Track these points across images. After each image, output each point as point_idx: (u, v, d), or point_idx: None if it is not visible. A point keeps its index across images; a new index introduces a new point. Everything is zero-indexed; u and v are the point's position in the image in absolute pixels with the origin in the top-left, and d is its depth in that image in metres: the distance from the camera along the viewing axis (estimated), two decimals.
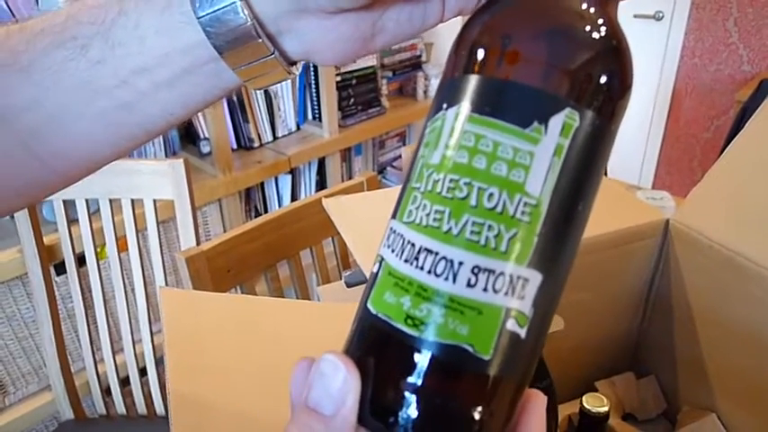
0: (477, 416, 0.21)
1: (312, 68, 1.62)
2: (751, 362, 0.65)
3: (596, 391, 0.77)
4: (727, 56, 2.21)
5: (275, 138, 1.63)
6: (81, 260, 1.12)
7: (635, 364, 0.81)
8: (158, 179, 1.05)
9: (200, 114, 1.49)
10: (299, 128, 1.69)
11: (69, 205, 1.08)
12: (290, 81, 1.61)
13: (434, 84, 1.96)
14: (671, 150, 2.49)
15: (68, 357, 1.17)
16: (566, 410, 0.72)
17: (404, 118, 1.85)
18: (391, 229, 0.22)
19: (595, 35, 0.22)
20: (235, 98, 1.50)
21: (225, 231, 1.25)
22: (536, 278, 0.21)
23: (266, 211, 1.64)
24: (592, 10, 0.22)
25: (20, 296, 1.22)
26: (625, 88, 0.23)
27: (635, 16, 2.39)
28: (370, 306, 0.22)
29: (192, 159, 1.50)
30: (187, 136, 1.54)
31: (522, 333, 0.21)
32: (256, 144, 1.58)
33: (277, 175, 1.61)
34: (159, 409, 1.18)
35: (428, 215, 0.21)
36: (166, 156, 1.47)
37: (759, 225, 0.65)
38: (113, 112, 0.27)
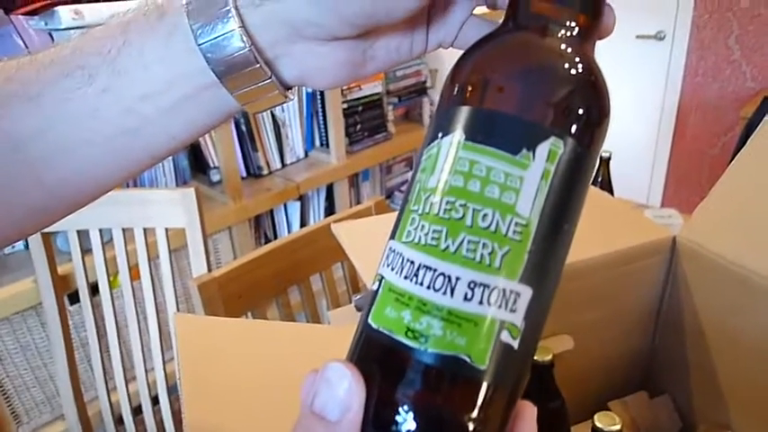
0: (472, 424, 0.22)
1: (319, 96, 1.65)
2: (765, 377, 0.65)
3: (608, 410, 0.77)
4: (730, 73, 2.23)
5: (284, 165, 1.65)
6: (94, 289, 1.13)
7: (648, 383, 0.81)
8: (170, 208, 1.07)
9: (209, 143, 1.52)
10: (306, 155, 1.71)
11: (83, 235, 1.10)
12: (297, 109, 1.64)
13: None
14: (678, 168, 2.49)
15: (81, 386, 1.17)
16: (579, 431, 0.72)
17: (410, 143, 1.87)
18: (390, 248, 0.24)
19: (573, 72, 0.25)
20: (243, 127, 1.52)
21: (235, 258, 1.26)
22: (527, 292, 0.23)
23: (276, 238, 1.65)
24: (570, 50, 0.25)
25: (34, 326, 1.23)
26: (602, 117, 0.25)
27: (637, 37, 2.42)
28: (371, 321, 0.23)
29: (203, 188, 1.52)
30: (197, 165, 1.56)
31: (515, 344, 0.22)
32: (265, 171, 1.60)
33: (286, 202, 1.63)
34: None
35: (426, 234, 0.23)
36: (177, 185, 1.49)
37: (766, 239, 0.65)
38: (119, 138, 0.28)
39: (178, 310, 1.15)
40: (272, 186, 1.53)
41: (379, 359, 0.23)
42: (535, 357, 0.59)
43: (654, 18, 2.35)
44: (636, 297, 0.75)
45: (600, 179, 1.14)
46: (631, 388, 0.79)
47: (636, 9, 2.34)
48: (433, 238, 0.23)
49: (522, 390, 0.24)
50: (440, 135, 0.25)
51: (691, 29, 2.27)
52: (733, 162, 0.73)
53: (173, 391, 1.18)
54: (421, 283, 0.22)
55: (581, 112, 0.24)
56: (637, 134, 2.54)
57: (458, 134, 0.24)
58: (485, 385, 0.22)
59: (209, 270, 1.07)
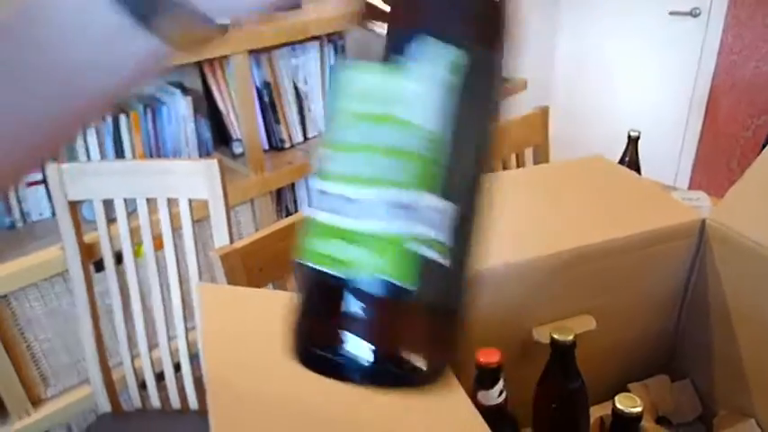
0: (412, 346, 0.23)
1: None
2: None
3: (629, 392, 0.76)
4: (767, 52, 2.15)
5: (306, 139, 1.64)
6: (119, 258, 1.15)
7: (670, 367, 0.80)
8: (193, 179, 1.08)
9: (231, 115, 1.52)
10: None
11: (108, 205, 1.11)
12: (320, 83, 1.62)
13: None
14: (708, 150, 2.43)
15: (106, 352, 1.20)
16: (597, 412, 0.71)
17: None
18: (313, 189, 0.24)
19: None
20: (267, 99, 1.52)
21: (257, 231, 1.26)
22: (448, 208, 0.23)
23: (297, 212, 1.66)
24: None
25: (61, 292, 1.26)
26: (499, 22, 0.24)
27: (671, 13, 2.34)
28: (302, 260, 0.24)
29: (225, 160, 1.52)
30: (220, 137, 1.57)
31: (444, 262, 0.23)
32: (287, 145, 1.60)
33: (308, 176, 1.63)
34: (193, 403, 1.21)
35: (338, 165, 0.23)
36: (200, 156, 1.50)
37: None
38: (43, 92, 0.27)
39: (201, 280, 1.17)
40: (294, 160, 1.53)
41: (314, 293, 0.24)
42: (556, 337, 0.59)
43: None
44: (661, 280, 0.73)
45: (627, 158, 1.12)
46: (653, 371, 0.79)
47: None
48: (344, 168, 0.23)
49: (467, 310, 0.24)
50: (346, 62, 0.24)
51: (727, 5, 2.19)
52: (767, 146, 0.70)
53: (194, 358, 1.20)
54: (339, 213, 0.22)
55: (478, 19, 0.24)
56: (666, 114, 2.47)
57: (352, 60, 0.24)
58: (418, 306, 0.22)
59: (231, 242, 1.07)
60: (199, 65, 1.49)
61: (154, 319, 1.17)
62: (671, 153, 2.51)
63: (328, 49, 1.62)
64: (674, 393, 0.76)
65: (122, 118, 1.33)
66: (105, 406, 1.21)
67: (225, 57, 1.34)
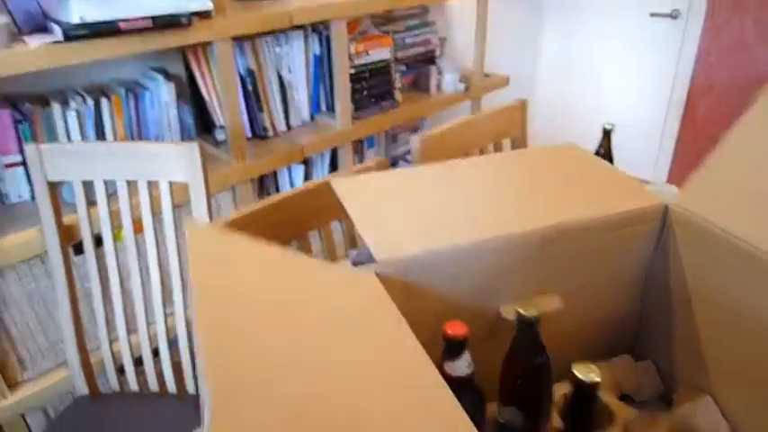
0: None
1: (326, 60, 1.65)
2: (748, 345, 0.66)
3: None
4: (744, 56, 2.20)
5: (289, 128, 1.65)
6: (98, 241, 1.15)
7: (633, 348, 0.83)
8: (174, 162, 1.08)
9: (215, 102, 1.52)
10: (312, 119, 1.72)
11: (88, 187, 1.11)
12: (304, 72, 1.64)
13: (447, 78, 1.98)
14: (686, 149, 2.48)
15: (84, 335, 1.20)
16: (562, 390, 0.74)
17: (416, 112, 1.87)
18: None
19: None
20: (250, 87, 1.53)
21: None
22: None
23: None
24: None
25: (39, 274, 1.26)
26: None
27: (651, 15, 2.39)
28: None
29: (208, 147, 1.53)
30: (202, 124, 1.57)
31: None
32: (270, 133, 1.61)
33: (290, 165, 1.64)
34: (171, 387, 1.22)
35: None
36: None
37: (759, 210, 0.66)
38: None
39: (180, 264, 1.17)
40: (277, 148, 1.54)
41: None
42: (521, 312, 0.61)
43: None
44: (626, 263, 0.76)
45: (601, 151, 1.15)
46: (617, 351, 0.82)
47: None
48: None
49: None
50: None
51: (706, 9, 2.24)
52: (729, 132, 0.73)
53: (173, 344, 1.21)
54: None
55: None
56: (646, 113, 2.52)
57: None
58: None
59: None
60: (182, 51, 1.50)
61: (133, 303, 1.18)
62: (649, 151, 2.56)
63: (313, 38, 1.63)
64: (637, 373, 0.79)
65: (104, 102, 1.33)
66: (83, 389, 1.22)
67: (208, 43, 1.35)
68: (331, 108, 1.70)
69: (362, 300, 0.57)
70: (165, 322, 1.19)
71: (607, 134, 1.14)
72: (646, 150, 2.56)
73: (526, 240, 0.68)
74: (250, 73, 1.52)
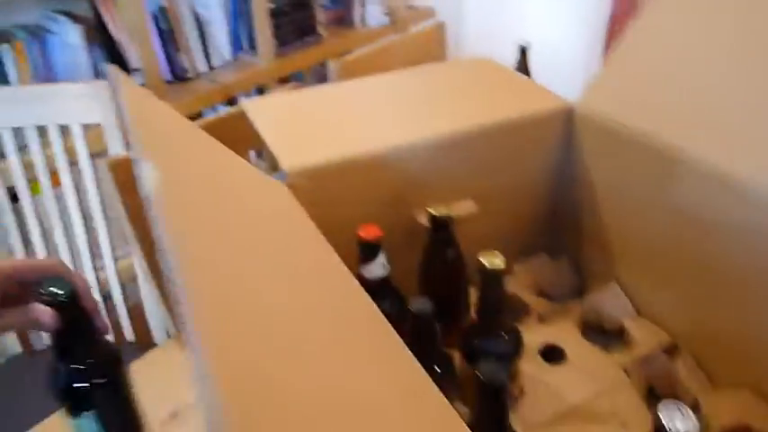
0: None
1: None
2: (651, 236, 0.71)
3: (512, 273, 0.83)
4: None
5: (211, 68, 1.60)
6: (14, 197, 1.10)
7: (550, 246, 0.87)
8: (84, 103, 1.04)
9: (130, 44, 1.45)
10: (236, 57, 1.67)
11: None
12: (221, 8, 1.57)
13: (371, 11, 1.95)
14: None
15: None
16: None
17: (342, 45, 1.83)
18: None
19: None
20: (164, 26, 1.46)
21: None
22: None
23: None
24: None
25: None
26: None
27: None
28: None
29: None
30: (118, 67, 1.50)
31: None
32: (191, 74, 1.55)
33: (215, 106, 1.60)
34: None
35: None
36: None
37: (659, 103, 0.69)
38: None
39: (105, 216, 1.13)
40: (199, 89, 1.49)
41: None
42: (433, 213, 0.63)
43: None
44: (537, 163, 0.79)
45: (518, 68, 1.17)
46: (534, 251, 0.85)
47: None
48: None
49: None
50: None
51: None
52: (627, 32, 0.76)
53: (107, 298, 1.18)
54: None
55: None
56: (572, 34, 2.55)
57: None
58: None
59: None
60: None
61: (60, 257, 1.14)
62: (576, 72, 2.61)
63: None
64: (553, 270, 0.83)
65: (4, 48, 1.25)
66: (15, 347, 1.19)
67: None
68: (253, 45, 1.65)
69: (273, 210, 0.57)
70: (97, 277, 1.16)
71: (523, 51, 1.16)
72: (573, 71, 2.60)
73: (437, 145, 0.69)
74: (162, 11, 1.45)
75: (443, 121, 0.71)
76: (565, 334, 0.72)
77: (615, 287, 0.76)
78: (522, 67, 1.16)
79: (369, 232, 0.60)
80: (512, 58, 1.17)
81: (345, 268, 0.55)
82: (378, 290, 0.62)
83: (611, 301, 0.75)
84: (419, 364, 0.42)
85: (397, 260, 0.64)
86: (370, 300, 0.53)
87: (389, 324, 0.48)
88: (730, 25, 0.66)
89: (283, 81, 1.80)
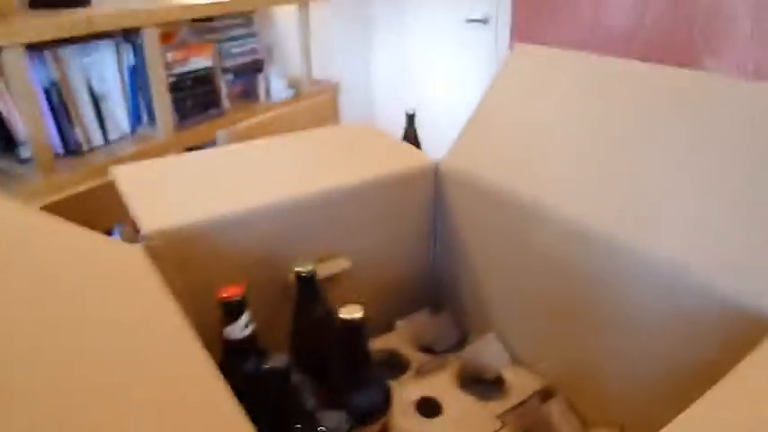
0: None
1: (142, 70, 1.60)
2: (519, 285, 0.74)
3: (394, 330, 0.83)
4: None
5: (107, 141, 1.57)
6: None
7: (432, 302, 0.89)
8: None
9: (18, 120, 1.41)
10: (134, 131, 1.65)
11: None
12: (119, 83, 1.57)
13: (275, 85, 2.00)
14: None
15: None
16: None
17: (245, 118, 1.86)
18: None
19: None
20: (56, 99, 1.44)
21: None
22: None
23: None
24: None
25: None
26: None
27: (467, 21, 2.60)
28: None
29: (12, 166, 1.41)
30: (6, 144, 1.45)
31: None
32: (86, 148, 1.52)
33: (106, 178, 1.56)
34: None
35: None
36: None
37: (514, 160, 0.74)
38: None
39: None
40: (94, 162, 1.46)
41: None
42: (297, 269, 0.63)
43: (480, 3, 2.54)
44: (410, 219, 0.82)
45: (407, 133, 1.23)
46: (417, 307, 0.87)
47: None
48: None
49: None
50: None
51: (511, 12, 2.48)
52: (486, 94, 0.82)
53: None
54: None
55: None
56: (460, 104, 2.72)
57: None
58: None
59: None
60: None
61: None
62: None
63: (126, 47, 1.58)
64: (435, 325, 0.85)
65: None
66: None
67: None
68: (153, 118, 1.65)
69: (122, 276, 0.55)
70: None
71: (410, 118, 1.22)
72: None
73: (308, 203, 0.71)
74: (54, 84, 1.43)
75: (315, 180, 0.73)
76: (442, 386, 0.73)
77: (491, 337, 0.78)
78: (411, 132, 1.22)
79: (230, 292, 0.59)
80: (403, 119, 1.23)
81: (194, 340, 0.51)
82: (242, 350, 0.61)
83: (488, 351, 0.77)
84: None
85: (269, 321, 0.63)
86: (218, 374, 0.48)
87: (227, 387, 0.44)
88: (578, 91, 0.73)
89: (185, 152, 1.79)
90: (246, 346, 0.61)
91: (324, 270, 0.73)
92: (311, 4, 2.12)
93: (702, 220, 0.55)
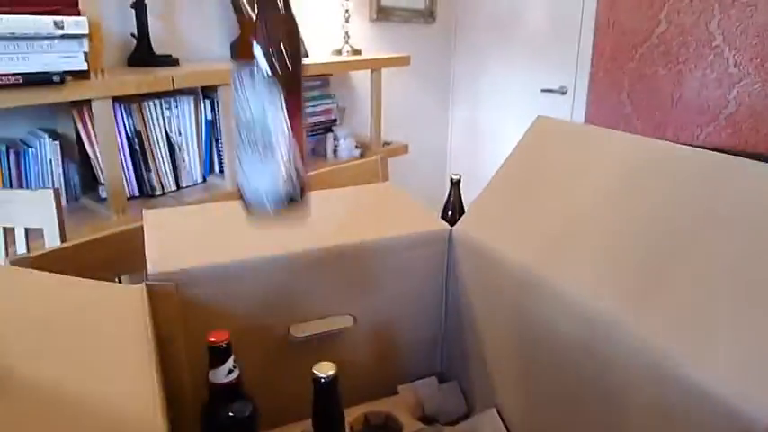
0: None
1: (219, 123, 1.72)
2: (524, 360, 0.71)
3: (397, 394, 0.82)
4: (623, 125, 2.41)
5: (179, 187, 1.69)
6: None
7: (440, 370, 0.86)
8: (29, 208, 1.10)
9: (100, 161, 1.56)
10: (205, 180, 1.77)
11: None
12: (195, 134, 1.70)
13: (343, 144, 2.08)
14: None
15: None
16: (361, 410, 0.76)
17: (312, 175, 1.94)
18: None
19: None
20: (137, 147, 1.58)
21: None
22: None
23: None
24: None
25: None
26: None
27: (542, 90, 2.60)
28: None
29: (91, 203, 1.55)
30: (90, 182, 1.60)
31: None
32: (159, 192, 1.64)
33: None
34: None
35: None
36: (68, 200, 1.53)
37: (527, 234, 0.73)
38: None
39: None
40: (159, 204, 1.57)
41: None
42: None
43: (557, 74, 2.54)
44: (420, 283, 0.81)
45: (451, 199, 1.23)
46: (424, 374, 0.85)
47: (541, 66, 2.55)
48: None
49: None
50: None
51: (588, 84, 2.46)
52: (502, 165, 0.82)
53: None
54: None
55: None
56: None
57: None
58: None
59: None
60: (71, 111, 1.55)
61: None
62: None
63: (205, 103, 1.71)
64: (442, 394, 0.82)
65: None
66: None
67: (88, 101, 1.40)
68: (224, 169, 1.76)
69: (112, 317, 0.59)
70: None
71: (455, 184, 1.23)
72: None
73: (316, 258, 0.72)
74: (137, 133, 1.58)
75: (328, 235, 0.75)
76: None
77: (492, 413, 0.74)
78: (455, 197, 1.22)
79: (218, 336, 0.61)
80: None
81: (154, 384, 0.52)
82: (225, 395, 0.63)
83: (485, 428, 0.73)
84: None
85: (268, 371, 0.64)
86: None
87: None
88: (593, 168, 0.71)
89: None
90: (229, 392, 0.62)
91: (323, 326, 0.74)
92: (393, 69, 2.22)
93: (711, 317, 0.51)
